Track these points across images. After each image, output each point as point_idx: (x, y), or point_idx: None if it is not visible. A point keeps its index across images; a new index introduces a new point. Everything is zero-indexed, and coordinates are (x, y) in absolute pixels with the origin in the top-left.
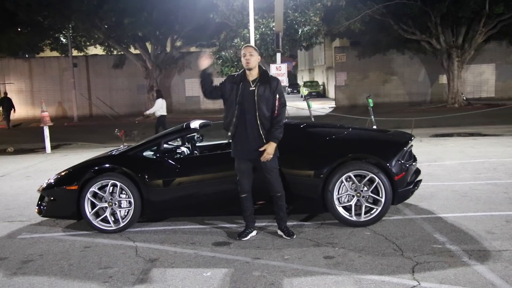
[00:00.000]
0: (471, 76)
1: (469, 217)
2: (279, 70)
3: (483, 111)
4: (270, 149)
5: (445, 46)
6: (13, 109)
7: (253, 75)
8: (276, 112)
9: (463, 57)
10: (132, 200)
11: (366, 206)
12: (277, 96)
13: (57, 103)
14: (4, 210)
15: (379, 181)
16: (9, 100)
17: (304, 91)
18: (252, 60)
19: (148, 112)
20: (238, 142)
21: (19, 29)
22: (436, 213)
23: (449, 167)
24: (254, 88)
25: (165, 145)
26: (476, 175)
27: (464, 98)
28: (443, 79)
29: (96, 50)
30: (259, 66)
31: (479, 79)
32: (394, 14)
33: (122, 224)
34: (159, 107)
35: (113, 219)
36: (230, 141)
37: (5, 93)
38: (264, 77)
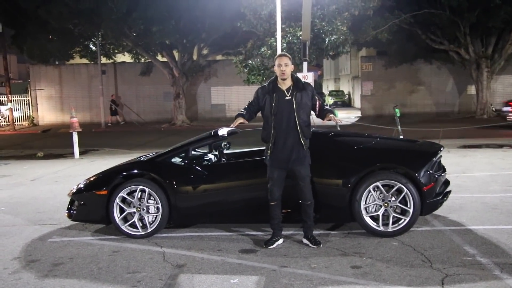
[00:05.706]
0: (501, 86)
1: (500, 230)
2: (305, 79)
3: None
4: (334, 117)
5: (474, 56)
6: None
7: (286, 84)
8: (318, 110)
9: (492, 67)
10: (160, 206)
11: (393, 216)
12: (316, 99)
13: (85, 109)
14: (35, 213)
15: (407, 191)
16: None
17: (330, 100)
18: (287, 70)
19: None
20: (277, 151)
21: (50, 37)
22: (465, 225)
23: (478, 179)
24: (290, 97)
25: (193, 152)
26: (507, 187)
27: (494, 109)
28: (472, 89)
29: (124, 57)
30: (291, 74)
31: (510, 89)
32: (422, 23)
33: (150, 230)
34: None
35: (141, 224)
36: (269, 152)
37: None
38: (299, 84)
